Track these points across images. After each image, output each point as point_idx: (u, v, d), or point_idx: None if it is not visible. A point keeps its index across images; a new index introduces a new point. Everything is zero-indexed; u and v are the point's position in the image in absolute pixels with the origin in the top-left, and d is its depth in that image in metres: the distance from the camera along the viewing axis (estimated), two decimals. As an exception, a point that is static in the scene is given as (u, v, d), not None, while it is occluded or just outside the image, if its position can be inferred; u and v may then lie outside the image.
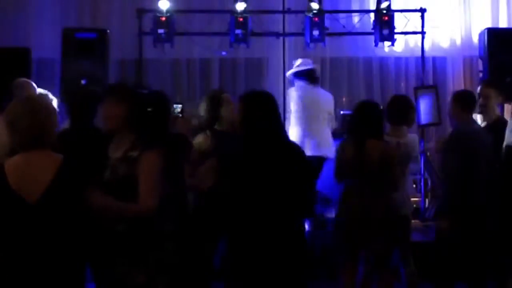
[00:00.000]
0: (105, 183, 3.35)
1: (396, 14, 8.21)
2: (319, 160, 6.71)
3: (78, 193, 3.04)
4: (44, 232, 2.95)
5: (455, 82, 9.04)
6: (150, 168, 3.35)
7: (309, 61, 7.37)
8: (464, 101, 5.01)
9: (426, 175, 7.95)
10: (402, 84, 8.91)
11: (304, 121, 7.04)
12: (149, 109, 4.53)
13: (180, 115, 5.60)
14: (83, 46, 7.42)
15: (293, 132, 6.89)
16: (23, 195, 2.93)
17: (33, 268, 2.94)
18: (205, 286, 4.88)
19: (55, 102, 5.64)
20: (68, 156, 3.08)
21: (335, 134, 7.44)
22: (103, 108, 3.43)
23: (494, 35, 7.74)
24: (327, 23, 8.16)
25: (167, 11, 7.94)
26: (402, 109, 5.28)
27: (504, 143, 5.00)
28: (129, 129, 3.40)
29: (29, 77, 7.10)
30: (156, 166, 3.39)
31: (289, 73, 7.45)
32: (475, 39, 8.66)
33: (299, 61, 7.33)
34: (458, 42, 9.14)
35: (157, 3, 7.94)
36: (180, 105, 5.67)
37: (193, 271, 4.61)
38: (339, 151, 4.86)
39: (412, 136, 5.37)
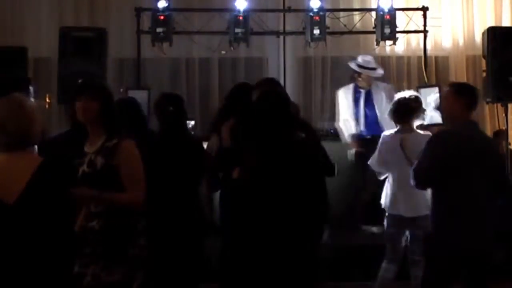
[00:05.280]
0: (84, 176, 3.50)
1: (398, 12, 8.14)
2: None
3: (56, 194, 3.02)
4: (22, 233, 2.94)
5: (458, 81, 8.96)
6: (130, 157, 3.56)
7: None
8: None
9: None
10: (404, 84, 8.82)
11: None
12: (171, 108, 4.79)
13: (192, 132, 5.52)
14: (81, 45, 7.33)
15: None
16: (1, 196, 2.94)
17: (9, 267, 2.93)
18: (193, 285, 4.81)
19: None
20: (49, 158, 3.10)
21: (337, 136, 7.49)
22: (80, 102, 3.62)
23: (497, 33, 7.65)
24: (328, 22, 8.10)
25: (166, 10, 7.86)
26: (402, 109, 5.40)
27: None
28: (102, 123, 3.63)
29: (26, 76, 7.06)
30: (135, 156, 3.59)
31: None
32: (478, 38, 8.59)
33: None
34: (461, 41, 9.08)
35: (155, 2, 7.86)
36: (192, 121, 5.57)
37: (175, 269, 4.63)
38: None
39: (415, 134, 5.33)
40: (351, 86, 7.52)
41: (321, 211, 4.60)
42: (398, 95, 5.66)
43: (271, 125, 4.16)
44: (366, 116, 7.35)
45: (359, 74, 7.42)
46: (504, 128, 7.80)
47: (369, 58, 7.60)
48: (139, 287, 3.51)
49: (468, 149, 4.20)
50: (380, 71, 7.63)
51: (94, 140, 3.63)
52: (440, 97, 5.22)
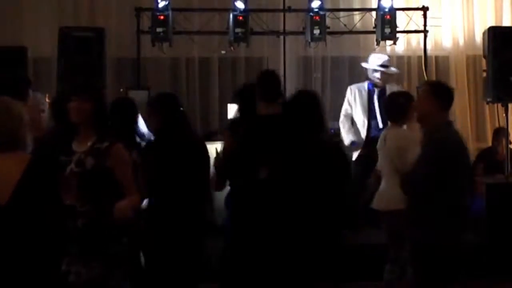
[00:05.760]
0: (73, 175, 3.62)
1: (398, 12, 8.13)
2: None
3: (46, 192, 3.09)
4: (15, 232, 2.98)
5: (459, 81, 8.96)
6: (123, 160, 3.75)
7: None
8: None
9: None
10: (405, 84, 8.81)
11: None
12: (181, 108, 4.83)
13: None
14: (80, 45, 7.31)
15: None
16: None
17: (3, 266, 2.97)
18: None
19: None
20: (36, 157, 3.19)
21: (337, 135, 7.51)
22: (74, 102, 3.77)
23: (497, 33, 7.63)
24: (328, 21, 8.08)
25: (166, 10, 7.84)
26: (389, 105, 5.49)
27: None
28: (93, 124, 3.77)
29: (26, 77, 7.04)
30: (127, 158, 3.80)
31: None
32: (478, 37, 8.57)
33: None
34: (461, 41, 9.06)
35: (155, 2, 7.84)
36: None
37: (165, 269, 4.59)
38: None
39: (397, 129, 5.33)
40: (365, 85, 7.52)
41: (343, 212, 4.51)
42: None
43: (304, 126, 4.13)
44: (382, 115, 7.29)
45: (376, 72, 7.42)
46: (505, 128, 7.79)
47: (384, 56, 7.61)
48: (119, 285, 3.65)
49: (464, 153, 4.27)
50: (393, 69, 7.69)
51: (84, 140, 3.75)
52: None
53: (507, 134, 7.65)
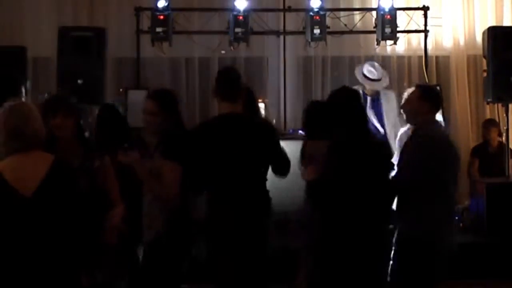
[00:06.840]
0: None
1: (398, 12, 8.13)
2: None
3: (70, 187, 3.19)
4: (40, 224, 3.08)
5: (459, 81, 8.95)
6: (112, 172, 3.84)
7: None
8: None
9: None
10: (405, 84, 8.79)
11: None
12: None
13: None
14: (80, 45, 7.31)
15: None
16: (20, 190, 3.08)
17: (29, 260, 3.06)
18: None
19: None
20: (60, 155, 3.28)
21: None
22: (57, 118, 3.76)
23: (498, 33, 7.63)
24: (328, 21, 8.08)
25: (165, 9, 7.84)
26: None
27: None
28: (76, 139, 3.81)
29: (25, 76, 7.04)
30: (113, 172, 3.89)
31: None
32: (479, 37, 8.56)
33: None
34: (462, 40, 9.04)
35: (155, 1, 7.84)
36: None
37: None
38: None
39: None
40: (360, 89, 7.35)
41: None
42: None
43: (352, 124, 4.12)
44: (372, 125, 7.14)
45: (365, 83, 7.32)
46: (505, 128, 7.79)
47: (373, 68, 7.39)
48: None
49: (450, 148, 4.37)
50: (384, 83, 7.42)
51: (69, 156, 3.69)
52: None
53: (507, 133, 7.67)
